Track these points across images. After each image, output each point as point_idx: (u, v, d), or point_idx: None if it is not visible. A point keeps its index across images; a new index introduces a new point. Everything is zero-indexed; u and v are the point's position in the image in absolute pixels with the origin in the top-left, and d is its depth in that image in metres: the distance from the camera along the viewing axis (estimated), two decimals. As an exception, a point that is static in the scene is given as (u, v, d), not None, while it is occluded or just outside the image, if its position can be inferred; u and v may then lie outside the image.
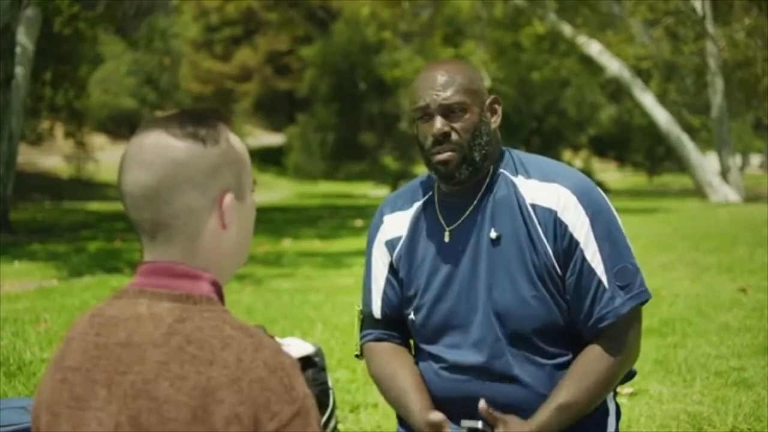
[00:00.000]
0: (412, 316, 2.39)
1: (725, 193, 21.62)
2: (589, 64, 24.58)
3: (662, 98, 23.39)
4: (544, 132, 31.72)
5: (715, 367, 5.08)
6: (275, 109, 38.93)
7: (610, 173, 39.08)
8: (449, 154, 2.27)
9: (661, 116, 22.66)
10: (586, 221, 2.25)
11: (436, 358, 2.36)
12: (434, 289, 2.36)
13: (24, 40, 13.73)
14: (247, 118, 38.68)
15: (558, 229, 2.25)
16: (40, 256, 10.94)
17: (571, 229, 2.25)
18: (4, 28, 12.77)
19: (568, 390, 2.22)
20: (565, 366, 2.27)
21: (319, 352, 4.20)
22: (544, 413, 2.20)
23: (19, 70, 13.62)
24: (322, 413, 4.07)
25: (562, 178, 2.30)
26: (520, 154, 2.40)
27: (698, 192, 22.46)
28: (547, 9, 22.79)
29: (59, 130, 26.64)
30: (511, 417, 2.19)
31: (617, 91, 27.02)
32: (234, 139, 1.51)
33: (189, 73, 37.78)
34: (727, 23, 22.33)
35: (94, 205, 20.71)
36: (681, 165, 25.10)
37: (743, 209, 18.36)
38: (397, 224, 2.45)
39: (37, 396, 1.51)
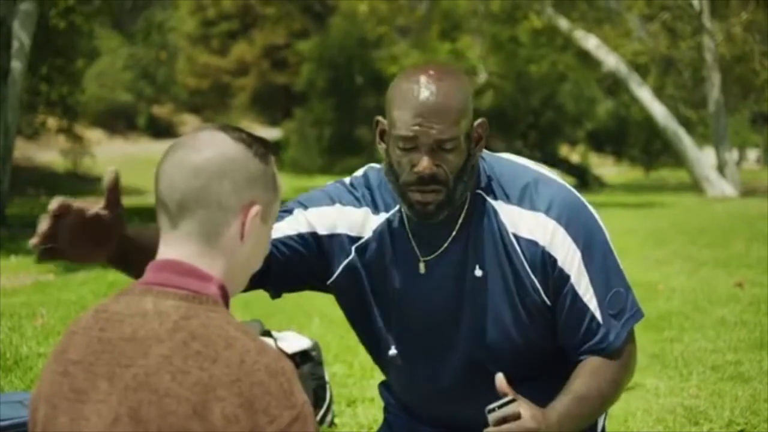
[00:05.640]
0: (393, 351, 2.19)
1: (722, 187, 21.64)
2: (586, 58, 24.57)
3: (659, 93, 23.39)
4: (541, 126, 31.70)
5: (711, 362, 5.09)
6: (272, 104, 38.89)
7: (607, 168, 39.07)
8: (432, 196, 1.99)
9: (658, 111, 22.66)
10: (577, 254, 2.07)
11: (412, 392, 2.25)
12: (408, 323, 2.15)
13: (20, 34, 13.70)
14: (244, 112, 38.63)
15: (547, 263, 2.06)
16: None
17: (560, 263, 2.06)
18: (0, 22, 12.74)
19: (583, 381, 2.06)
20: (559, 375, 2.13)
21: (315, 347, 4.20)
22: (559, 400, 2.03)
23: (16, 65, 13.59)
24: (319, 408, 4.08)
25: (545, 204, 2.08)
26: (493, 165, 2.14)
27: (695, 187, 22.47)
28: (545, 3, 22.78)
29: (54, 125, 26.61)
30: (527, 400, 1.98)
31: (614, 85, 27.01)
32: (278, 174, 1.57)
33: (186, 67, 37.73)
34: (724, 18, 22.35)
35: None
36: (678, 159, 25.10)
37: (740, 204, 18.37)
38: (358, 221, 2.15)
39: (36, 388, 1.51)
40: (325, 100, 33.03)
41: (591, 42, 22.93)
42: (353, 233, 2.14)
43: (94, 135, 31.69)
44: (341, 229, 2.14)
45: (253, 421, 1.37)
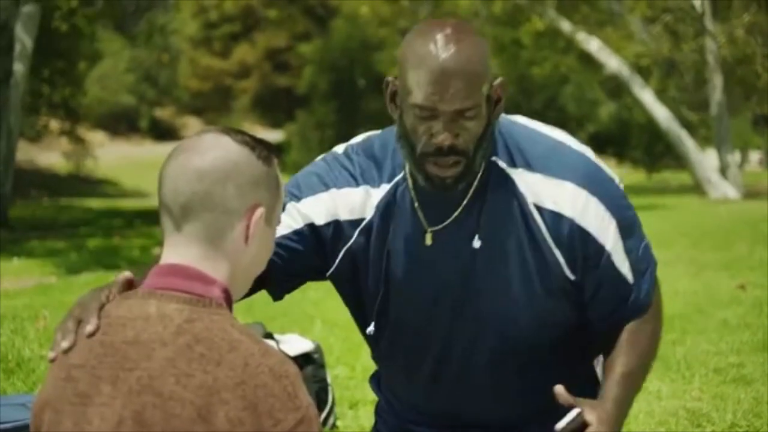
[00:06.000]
0: (371, 328, 2.04)
1: (724, 189, 21.61)
2: (588, 61, 24.57)
3: (661, 95, 23.38)
4: (543, 129, 31.71)
5: (714, 364, 5.08)
6: (274, 106, 38.91)
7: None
8: (452, 169, 1.83)
9: (661, 113, 22.65)
10: (612, 223, 1.93)
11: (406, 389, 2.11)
12: (409, 302, 1.99)
13: (23, 36, 13.71)
14: (246, 114, 38.65)
15: (577, 238, 1.90)
16: (38, 253, 10.93)
17: (596, 235, 1.91)
18: (2, 24, 12.76)
19: (624, 355, 1.95)
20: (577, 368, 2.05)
21: (318, 349, 4.21)
22: (611, 387, 1.92)
23: (18, 67, 13.60)
24: (321, 410, 4.08)
25: (571, 173, 1.92)
26: (510, 129, 1.96)
27: (697, 189, 22.45)
28: (546, 5, 22.78)
29: (56, 127, 26.65)
30: (585, 400, 1.88)
31: (616, 87, 27.02)
32: (281, 176, 1.56)
33: (188, 69, 37.76)
34: (726, 20, 22.33)
35: (93, 202, 20.69)
36: (680, 162, 25.09)
37: (742, 206, 18.35)
38: (357, 202, 1.97)
39: (40, 393, 1.51)
40: (327, 102, 33.05)
41: (593, 44, 22.93)
42: (354, 216, 1.97)
43: (96, 137, 31.71)
44: (341, 215, 1.97)
45: (258, 423, 1.37)
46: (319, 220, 1.97)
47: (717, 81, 22.50)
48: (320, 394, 4.09)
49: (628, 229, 1.96)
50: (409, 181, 1.94)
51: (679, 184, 30.16)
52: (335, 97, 32.78)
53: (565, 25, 23.05)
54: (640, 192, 26.44)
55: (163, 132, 35.72)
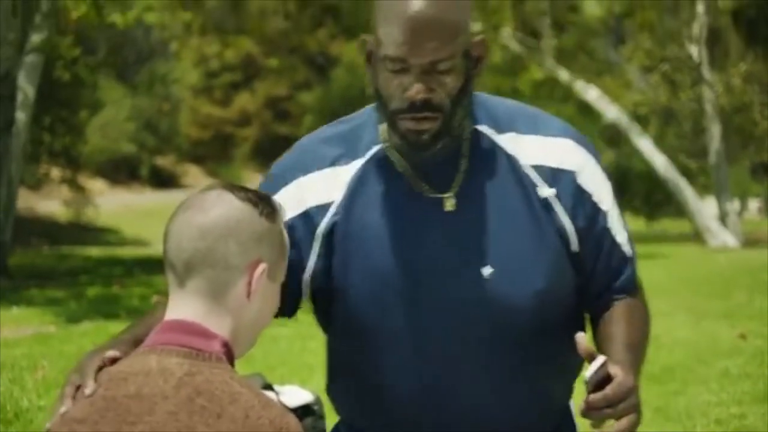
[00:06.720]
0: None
1: (724, 238, 21.62)
2: (587, 109, 24.71)
3: (660, 143, 23.50)
4: (542, 177, 31.78)
5: (715, 415, 5.06)
6: (274, 154, 38.69)
7: (608, 218, 39.04)
8: (427, 123, 1.69)
9: (659, 161, 22.75)
10: (607, 185, 1.85)
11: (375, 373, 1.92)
12: (392, 281, 1.78)
13: (25, 86, 13.80)
14: (246, 163, 38.79)
15: (579, 196, 1.80)
16: (38, 301, 10.90)
17: (592, 193, 1.82)
18: (5, 74, 12.85)
19: (625, 330, 1.80)
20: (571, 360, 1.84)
21: (317, 401, 4.19)
22: (618, 353, 1.75)
23: (20, 116, 13.67)
24: (321, 461, 4.05)
25: (565, 131, 1.85)
26: (489, 101, 1.86)
27: (697, 237, 22.47)
28: (545, 55, 22.97)
29: (57, 175, 26.72)
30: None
31: (615, 136, 27.15)
32: (284, 232, 1.58)
33: (188, 118, 37.97)
34: (724, 69, 22.50)
35: (93, 251, 20.67)
36: (679, 210, 25.14)
37: (742, 254, 18.35)
38: (324, 185, 1.81)
39: None
40: (327, 150, 33.25)
41: (592, 93, 23.09)
42: (322, 201, 1.81)
43: (96, 185, 31.79)
44: (309, 202, 1.81)
45: (258, 478, 1.37)
46: (289, 213, 1.78)
47: (715, 129, 22.62)
48: (320, 445, 4.07)
49: (616, 198, 1.88)
50: (393, 149, 1.80)
51: (679, 233, 30.18)
52: (335, 146, 32.97)
53: (564, 75, 23.23)
54: (639, 240, 26.35)
55: (164, 180, 35.84)
